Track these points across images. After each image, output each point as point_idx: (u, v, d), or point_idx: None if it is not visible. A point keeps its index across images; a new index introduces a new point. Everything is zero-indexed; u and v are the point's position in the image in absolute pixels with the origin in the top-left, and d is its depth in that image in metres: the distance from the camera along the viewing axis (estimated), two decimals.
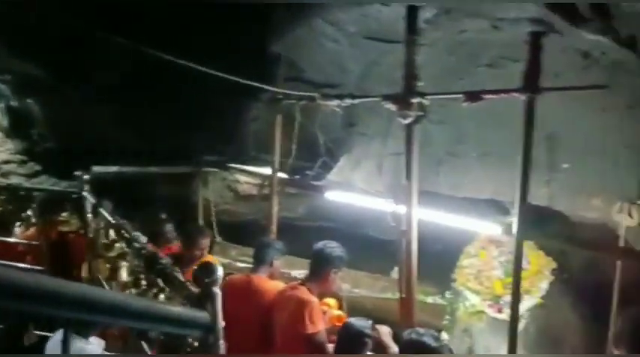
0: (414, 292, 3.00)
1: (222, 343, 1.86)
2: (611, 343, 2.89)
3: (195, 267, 1.93)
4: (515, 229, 2.49)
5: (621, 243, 3.46)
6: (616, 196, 3.48)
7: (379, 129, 4.04)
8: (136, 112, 4.64)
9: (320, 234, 3.43)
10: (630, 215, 3.43)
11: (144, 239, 2.62)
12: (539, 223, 3.91)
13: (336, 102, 3.14)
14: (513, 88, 2.21)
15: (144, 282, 2.48)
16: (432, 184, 4.53)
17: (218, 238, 5.03)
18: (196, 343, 1.94)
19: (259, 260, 3.46)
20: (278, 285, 3.33)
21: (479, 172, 4.32)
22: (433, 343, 2.51)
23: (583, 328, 4.62)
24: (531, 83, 2.14)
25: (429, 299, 5.42)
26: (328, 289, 3.23)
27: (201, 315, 1.77)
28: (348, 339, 2.90)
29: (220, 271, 1.84)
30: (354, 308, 4.50)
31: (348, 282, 5.58)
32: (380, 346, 2.92)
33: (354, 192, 3.74)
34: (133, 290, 2.61)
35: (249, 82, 3.23)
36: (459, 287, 5.09)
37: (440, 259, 5.59)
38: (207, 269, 1.81)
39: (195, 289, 1.88)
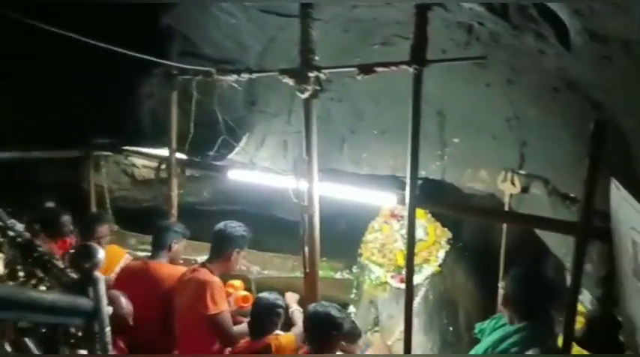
0: (318, 266, 3.04)
1: (108, 330, 1.75)
2: (500, 304, 3.15)
3: (73, 251, 1.78)
4: (407, 198, 2.61)
5: (506, 209, 3.78)
6: (500, 167, 3.76)
7: (281, 107, 4.00)
8: (17, 91, 4.18)
9: (226, 218, 3.34)
10: (513, 184, 3.75)
11: (20, 227, 2.36)
12: (433, 195, 4.14)
13: (233, 77, 3.05)
14: (402, 60, 2.28)
15: (21, 273, 2.24)
16: (335, 161, 4.60)
17: (115, 227, 4.73)
18: (80, 333, 1.80)
19: (157, 245, 3.31)
20: (178, 270, 3.20)
21: (379, 149, 4.45)
22: (337, 314, 2.67)
23: (475, 291, 5.01)
24: (418, 55, 2.22)
25: (337, 275, 5.57)
26: (231, 270, 3.17)
27: (82, 302, 1.64)
28: (261, 313, 2.93)
29: (101, 255, 1.71)
30: (265, 289, 4.48)
31: (256, 264, 5.56)
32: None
33: (257, 171, 3.67)
34: (11, 283, 2.36)
35: (141, 56, 3.02)
36: (364, 261, 5.26)
37: (347, 237, 5.76)
38: (87, 253, 1.67)
39: (75, 276, 1.73)
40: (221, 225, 3.08)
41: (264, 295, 3.07)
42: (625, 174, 2.17)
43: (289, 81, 2.71)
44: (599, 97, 2.23)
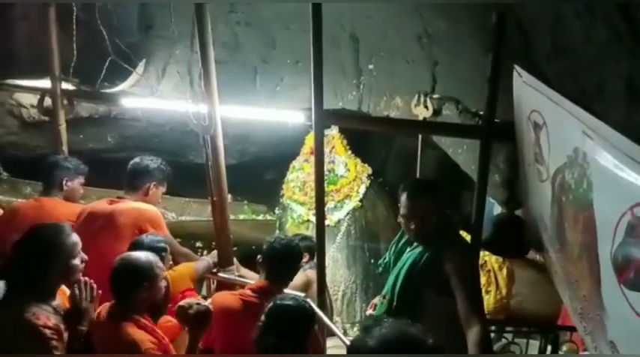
0: (225, 193, 2.85)
1: None
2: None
3: None
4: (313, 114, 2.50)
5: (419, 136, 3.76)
6: (414, 91, 3.70)
7: (182, 31, 3.65)
8: None
9: None
10: (426, 107, 3.71)
11: None
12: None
13: None
14: None
15: None
16: (249, 94, 4.36)
17: (5, 175, 4.25)
18: None
19: (47, 184, 2.97)
20: (77, 207, 2.90)
21: (294, 80, 4.25)
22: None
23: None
24: None
25: (260, 217, 5.44)
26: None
27: None
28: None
29: None
30: (181, 234, 4.27)
31: (173, 210, 5.29)
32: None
33: (154, 98, 3.36)
34: None
35: None
36: (286, 201, 5.16)
37: (274, 186, 5.62)
38: None
39: None
40: (137, 159, 2.90)
41: (144, 236, 2.82)
42: (526, 65, 2.14)
43: None
44: None
